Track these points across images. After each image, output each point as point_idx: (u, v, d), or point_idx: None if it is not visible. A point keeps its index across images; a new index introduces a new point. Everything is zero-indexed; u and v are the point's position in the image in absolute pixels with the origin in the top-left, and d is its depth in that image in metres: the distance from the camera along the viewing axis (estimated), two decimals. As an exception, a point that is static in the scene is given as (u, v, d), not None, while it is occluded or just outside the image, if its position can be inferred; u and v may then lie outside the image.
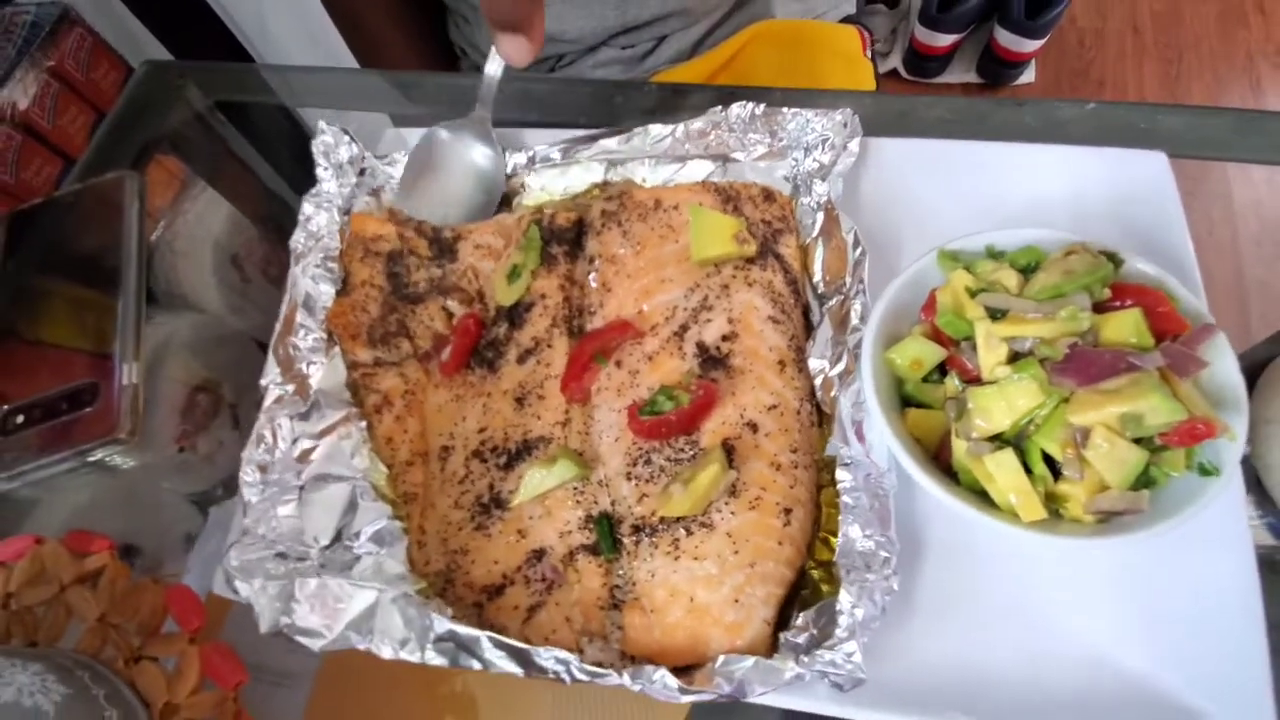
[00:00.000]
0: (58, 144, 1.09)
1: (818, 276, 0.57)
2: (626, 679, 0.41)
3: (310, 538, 0.52)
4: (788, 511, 0.47)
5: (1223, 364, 0.43)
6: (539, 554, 0.50)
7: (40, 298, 0.71)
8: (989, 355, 0.42)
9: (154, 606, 0.51)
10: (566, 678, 0.42)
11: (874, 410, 0.45)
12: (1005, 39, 1.61)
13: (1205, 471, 0.41)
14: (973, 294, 0.45)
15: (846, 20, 1.05)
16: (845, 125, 0.59)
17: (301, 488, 0.53)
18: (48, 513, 0.63)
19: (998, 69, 1.75)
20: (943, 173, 0.62)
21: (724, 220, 0.55)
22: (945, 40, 1.65)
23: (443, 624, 0.44)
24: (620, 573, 0.49)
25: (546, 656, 0.42)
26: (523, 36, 0.52)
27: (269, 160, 0.83)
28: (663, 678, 0.41)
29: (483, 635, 0.43)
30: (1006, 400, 0.41)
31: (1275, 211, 0.72)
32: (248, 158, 0.85)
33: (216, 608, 0.55)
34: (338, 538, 0.52)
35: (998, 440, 0.42)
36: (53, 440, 0.61)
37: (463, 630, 0.43)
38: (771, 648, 0.44)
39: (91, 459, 0.62)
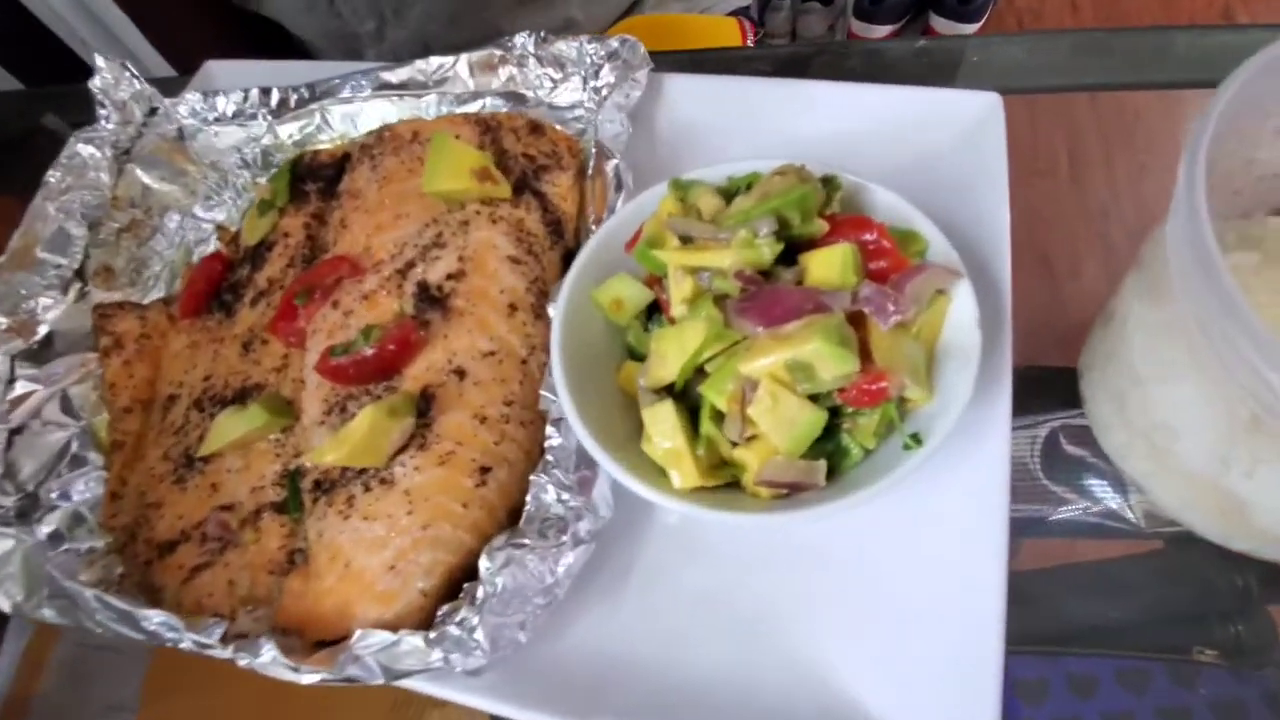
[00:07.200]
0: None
1: (592, 218, 0.51)
2: (229, 652, 0.36)
3: (9, 485, 0.47)
4: (484, 471, 0.42)
5: (958, 313, 0.37)
6: (228, 510, 0.45)
7: None
8: (676, 290, 0.36)
9: None
10: (180, 645, 0.37)
11: (554, 354, 0.39)
12: (942, 26, 1.55)
13: (909, 446, 0.34)
14: (671, 223, 0.38)
15: (735, 13, 0.98)
16: (622, 53, 0.52)
17: (15, 431, 0.49)
18: None
19: (937, 57, 1.66)
20: (749, 113, 0.55)
21: (466, 153, 0.49)
22: (881, 31, 1.59)
23: (59, 581, 0.39)
24: (304, 535, 0.44)
25: (156, 621, 0.37)
26: None
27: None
28: (271, 653, 0.35)
29: (90, 594, 0.38)
30: (680, 343, 0.35)
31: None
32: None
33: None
34: (40, 485, 0.48)
35: (666, 392, 0.36)
36: None
37: (72, 587, 0.38)
38: (427, 623, 0.38)
39: None
